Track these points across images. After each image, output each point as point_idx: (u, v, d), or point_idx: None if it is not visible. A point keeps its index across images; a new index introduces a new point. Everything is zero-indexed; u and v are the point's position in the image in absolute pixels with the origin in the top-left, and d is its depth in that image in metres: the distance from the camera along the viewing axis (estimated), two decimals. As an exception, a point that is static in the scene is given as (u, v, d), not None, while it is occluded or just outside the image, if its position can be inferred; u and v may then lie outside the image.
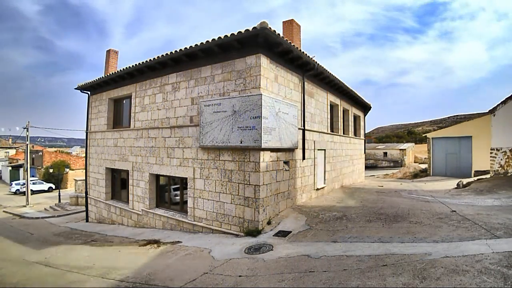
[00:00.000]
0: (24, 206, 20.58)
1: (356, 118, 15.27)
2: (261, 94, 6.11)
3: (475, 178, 12.82)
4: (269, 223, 6.56)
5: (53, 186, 31.12)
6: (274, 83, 6.96)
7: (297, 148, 7.90)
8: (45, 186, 31.30)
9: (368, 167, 27.46)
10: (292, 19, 9.00)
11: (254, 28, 5.86)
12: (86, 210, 12.29)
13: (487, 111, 12.46)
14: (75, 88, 11.96)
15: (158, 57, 7.95)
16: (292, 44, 6.96)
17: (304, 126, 8.31)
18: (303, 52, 7.44)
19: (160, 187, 9.17)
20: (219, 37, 6.40)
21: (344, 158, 12.58)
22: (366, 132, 18.08)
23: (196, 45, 6.89)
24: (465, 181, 12.00)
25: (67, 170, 33.42)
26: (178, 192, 8.56)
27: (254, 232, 6.13)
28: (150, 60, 8.19)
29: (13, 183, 31.61)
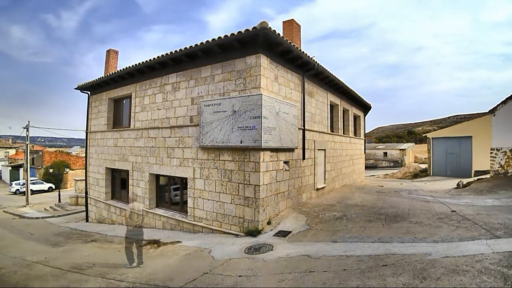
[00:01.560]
0: (24, 206, 20.53)
1: (356, 118, 15.27)
2: (261, 94, 6.11)
3: (475, 178, 12.81)
4: (269, 223, 6.56)
5: (53, 186, 31.04)
6: (274, 83, 6.96)
7: (297, 148, 7.89)
8: (45, 186, 31.24)
9: (368, 167, 27.47)
10: (292, 19, 8.99)
11: (254, 28, 5.86)
12: (86, 210, 12.29)
13: (487, 111, 12.46)
14: (75, 88, 11.95)
15: (158, 57, 7.95)
16: (292, 44, 6.96)
17: (304, 126, 8.31)
18: (303, 52, 7.44)
19: (160, 187, 9.17)
20: (219, 37, 6.40)
21: (344, 158, 12.58)
22: (366, 132, 18.08)
23: (196, 45, 6.89)
24: (465, 181, 11.99)
25: (67, 170, 33.37)
26: (178, 192, 8.56)
27: (254, 232, 6.13)
28: (150, 60, 8.19)
29: (13, 183, 31.53)
